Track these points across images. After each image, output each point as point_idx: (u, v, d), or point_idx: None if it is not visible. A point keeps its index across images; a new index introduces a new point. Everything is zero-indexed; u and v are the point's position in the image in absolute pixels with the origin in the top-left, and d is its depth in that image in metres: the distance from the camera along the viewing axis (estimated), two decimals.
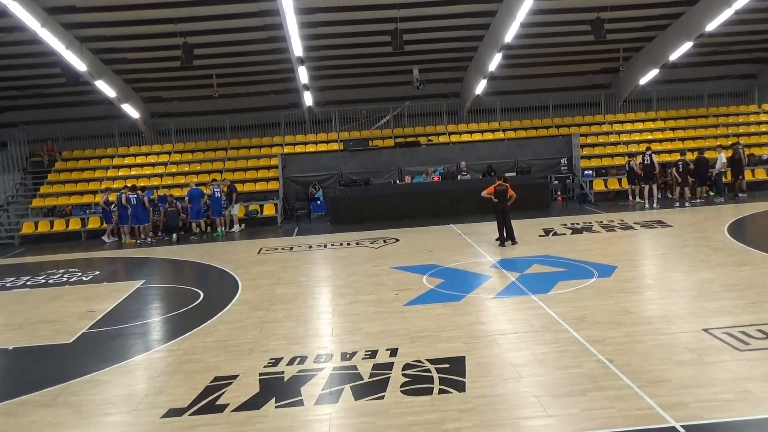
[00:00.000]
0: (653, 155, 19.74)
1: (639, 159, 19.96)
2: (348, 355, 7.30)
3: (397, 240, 15.91)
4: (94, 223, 20.78)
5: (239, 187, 21.20)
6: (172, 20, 18.25)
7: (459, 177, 21.69)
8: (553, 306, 8.77)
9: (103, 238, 19.84)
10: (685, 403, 5.49)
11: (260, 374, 6.89)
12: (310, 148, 24.81)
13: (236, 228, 20.22)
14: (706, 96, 26.12)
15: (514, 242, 13.96)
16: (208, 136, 25.41)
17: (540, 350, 7.07)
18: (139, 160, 24.36)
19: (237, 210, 20.37)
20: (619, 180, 22.05)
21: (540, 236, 15.03)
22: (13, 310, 11.10)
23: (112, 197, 19.83)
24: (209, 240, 18.78)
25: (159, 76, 22.88)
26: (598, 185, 22.29)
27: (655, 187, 19.71)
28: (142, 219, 19.15)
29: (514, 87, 25.34)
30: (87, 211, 21.46)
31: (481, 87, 23.40)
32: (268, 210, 21.65)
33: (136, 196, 19.04)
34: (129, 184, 20.68)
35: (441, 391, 6.09)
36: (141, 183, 21.82)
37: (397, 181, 22.13)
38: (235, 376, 6.87)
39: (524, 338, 7.54)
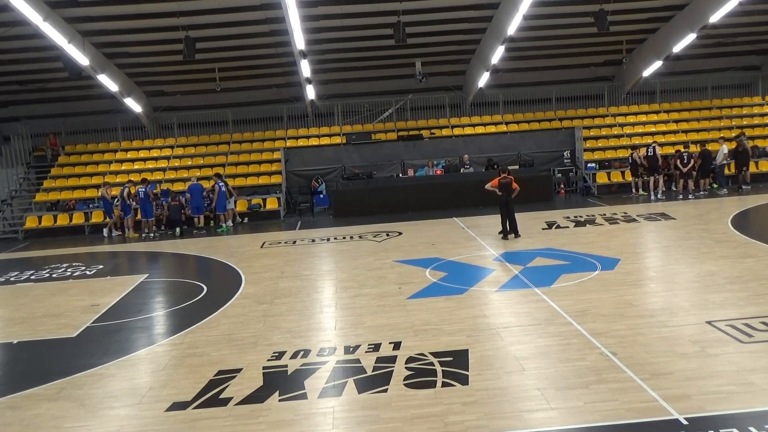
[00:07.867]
0: (656, 147, 19.79)
1: (643, 151, 19.97)
2: (351, 349, 7.31)
3: (400, 233, 15.90)
4: (97, 217, 20.77)
5: (242, 181, 21.27)
6: (174, 14, 18.20)
7: (462, 170, 21.68)
8: (557, 299, 8.77)
9: (104, 231, 19.85)
10: (688, 396, 5.50)
11: (264, 368, 6.91)
12: (313, 141, 24.78)
13: (237, 220, 20.28)
14: (710, 88, 25.98)
15: (517, 235, 13.94)
16: (210, 129, 25.37)
17: (543, 343, 7.08)
18: (142, 154, 24.36)
19: (234, 204, 20.38)
20: (623, 172, 21.98)
21: (543, 229, 15.01)
22: (17, 304, 11.14)
23: (115, 191, 19.89)
24: (212, 234, 18.79)
25: (161, 70, 22.84)
26: (602, 178, 22.23)
27: (660, 179, 19.66)
28: (149, 213, 19.19)
29: (517, 80, 25.25)
30: (90, 206, 21.47)
31: (483, 80, 23.31)
32: (271, 204, 21.63)
33: (144, 189, 19.06)
34: (133, 179, 20.67)
35: (444, 384, 6.11)
36: (143, 177, 21.78)
37: (400, 175, 22.11)
38: (238, 370, 6.89)
39: (527, 331, 7.55)
